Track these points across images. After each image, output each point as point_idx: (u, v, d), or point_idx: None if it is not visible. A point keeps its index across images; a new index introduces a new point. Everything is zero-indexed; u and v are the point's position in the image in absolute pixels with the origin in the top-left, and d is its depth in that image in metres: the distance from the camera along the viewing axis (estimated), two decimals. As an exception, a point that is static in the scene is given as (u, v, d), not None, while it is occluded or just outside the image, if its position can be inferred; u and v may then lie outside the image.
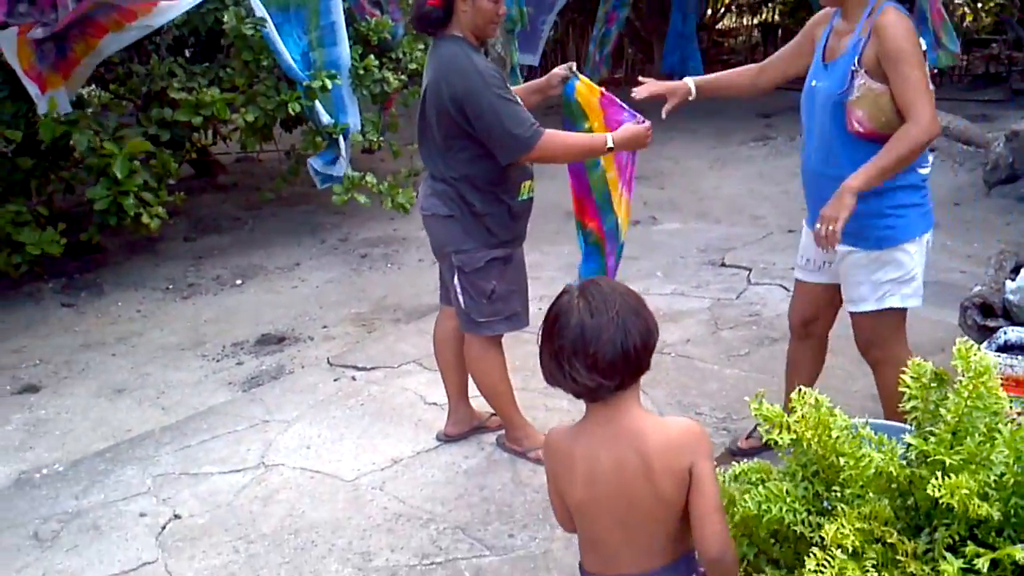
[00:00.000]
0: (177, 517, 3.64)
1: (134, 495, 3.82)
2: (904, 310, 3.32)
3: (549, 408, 4.28)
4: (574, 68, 3.79)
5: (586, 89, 3.74)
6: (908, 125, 2.98)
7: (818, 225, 3.02)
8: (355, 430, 4.25)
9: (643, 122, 3.58)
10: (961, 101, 10.82)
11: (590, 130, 3.72)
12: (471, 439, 4.09)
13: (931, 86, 3.06)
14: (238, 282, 6.68)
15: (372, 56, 7.29)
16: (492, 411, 4.09)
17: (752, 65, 3.75)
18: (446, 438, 4.09)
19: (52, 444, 4.34)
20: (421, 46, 7.84)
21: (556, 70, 3.83)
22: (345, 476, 3.86)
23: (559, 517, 2.17)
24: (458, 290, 3.69)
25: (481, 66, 3.41)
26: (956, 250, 6.30)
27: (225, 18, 6.50)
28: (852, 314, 3.38)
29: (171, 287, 6.62)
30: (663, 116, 3.67)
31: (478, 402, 4.10)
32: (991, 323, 3.77)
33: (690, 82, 3.67)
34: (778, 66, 3.62)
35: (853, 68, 3.06)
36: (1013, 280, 3.88)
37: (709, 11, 15.96)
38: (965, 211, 7.25)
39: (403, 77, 7.70)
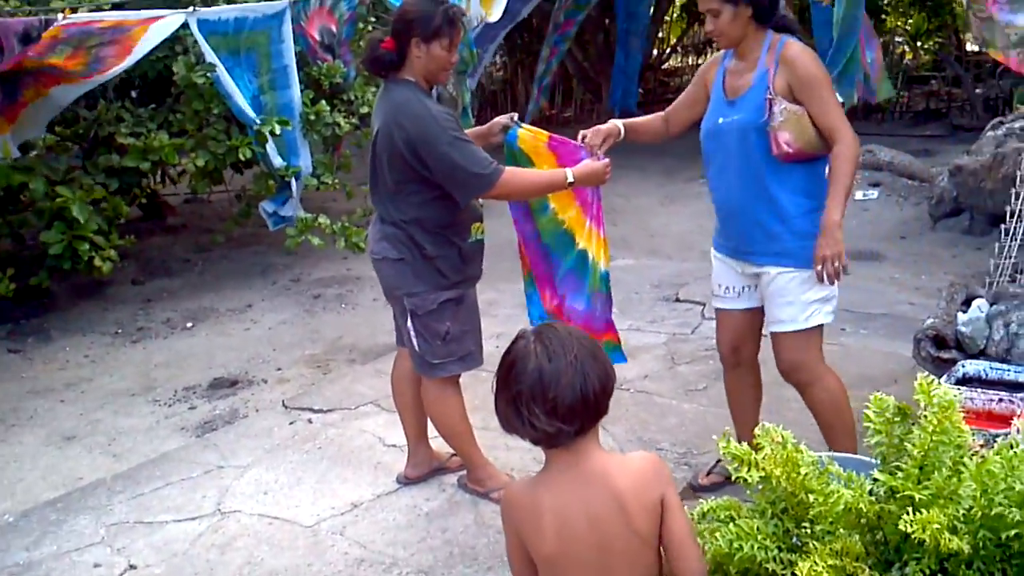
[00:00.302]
0: (132, 567, 3.55)
1: (87, 545, 3.73)
2: (822, 328, 3.44)
3: (510, 447, 4.25)
4: (515, 118, 3.80)
5: (530, 136, 3.76)
6: (839, 146, 3.24)
7: (819, 267, 3.19)
8: (313, 474, 4.19)
9: (601, 158, 3.60)
10: (903, 137, 11.06)
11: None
12: (432, 481, 4.05)
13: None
14: (189, 325, 6.59)
15: (323, 101, 7.28)
16: (452, 452, 4.07)
17: (659, 114, 3.88)
18: (406, 480, 4.05)
19: (1, 494, 4.22)
20: (373, 89, 7.84)
21: (498, 119, 3.84)
22: (304, 522, 3.79)
23: (516, 571, 2.10)
24: (412, 333, 3.68)
25: (434, 110, 3.43)
26: (904, 283, 6.41)
27: (175, 67, 6.46)
28: (776, 335, 3.47)
29: (120, 331, 6.51)
30: (593, 154, 3.66)
31: (438, 443, 4.07)
32: (944, 355, 3.84)
33: (619, 124, 3.73)
34: (680, 113, 3.77)
35: (769, 96, 3.26)
36: (964, 312, 3.95)
37: (655, 51, 16.20)
38: (912, 244, 7.38)
39: (355, 120, 7.69)
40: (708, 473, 3.89)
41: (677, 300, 6.39)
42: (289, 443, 4.53)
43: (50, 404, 5.28)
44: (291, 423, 4.77)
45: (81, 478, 4.33)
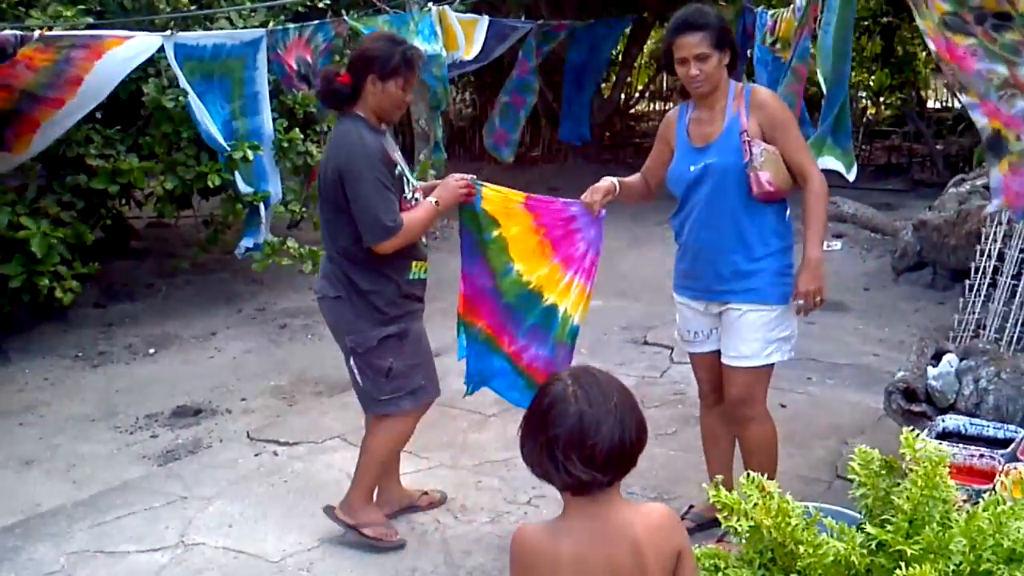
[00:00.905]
0: (93, 599, 3.48)
1: (47, 574, 3.64)
2: (773, 367, 3.56)
3: (480, 488, 4.24)
4: (476, 180, 3.76)
5: (498, 196, 3.72)
6: (812, 184, 3.40)
7: (801, 301, 3.38)
8: (279, 508, 4.13)
9: (602, 215, 3.69)
10: (866, 190, 11.21)
11: (501, 237, 3.70)
12: (400, 518, 3.99)
13: None
14: (151, 351, 6.50)
15: (297, 129, 7.27)
16: (423, 490, 4.04)
17: (638, 175, 3.90)
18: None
19: (-45, 519, 4.12)
20: (346, 119, 7.84)
21: (457, 179, 3.72)
22: (271, 556, 3.73)
23: None
24: (355, 371, 3.66)
25: (370, 147, 3.46)
26: (869, 334, 6.48)
27: (145, 88, 6.42)
28: (732, 368, 3.54)
29: (81, 355, 6.40)
30: (593, 211, 3.70)
31: (410, 479, 4.03)
32: (915, 408, 3.87)
33: (615, 182, 3.74)
34: (656, 173, 3.83)
35: (747, 139, 3.36)
36: (935, 366, 4.00)
37: (623, 95, 16.35)
38: (875, 296, 7.47)
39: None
40: (682, 518, 3.88)
41: (645, 343, 6.42)
42: (254, 475, 4.46)
43: (8, 427, 5.16)
44: (256, 455, 4.70)
45: (40, 504, 4.23)
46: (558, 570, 1.89)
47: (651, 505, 2.00)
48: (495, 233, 3.72)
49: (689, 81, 3.44)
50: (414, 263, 3.65)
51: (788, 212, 3.52)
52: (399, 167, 3.58)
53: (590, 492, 1.88)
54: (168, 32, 6.02)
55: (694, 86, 3.45)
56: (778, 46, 8.06)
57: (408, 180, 3.65)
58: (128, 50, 5.73)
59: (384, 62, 3.48)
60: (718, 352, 3.64)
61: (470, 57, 8.39)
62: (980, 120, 3.67)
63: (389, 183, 3.47)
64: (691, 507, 3.88)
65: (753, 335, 3.45)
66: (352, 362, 3.66)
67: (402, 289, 3.62)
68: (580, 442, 1.82)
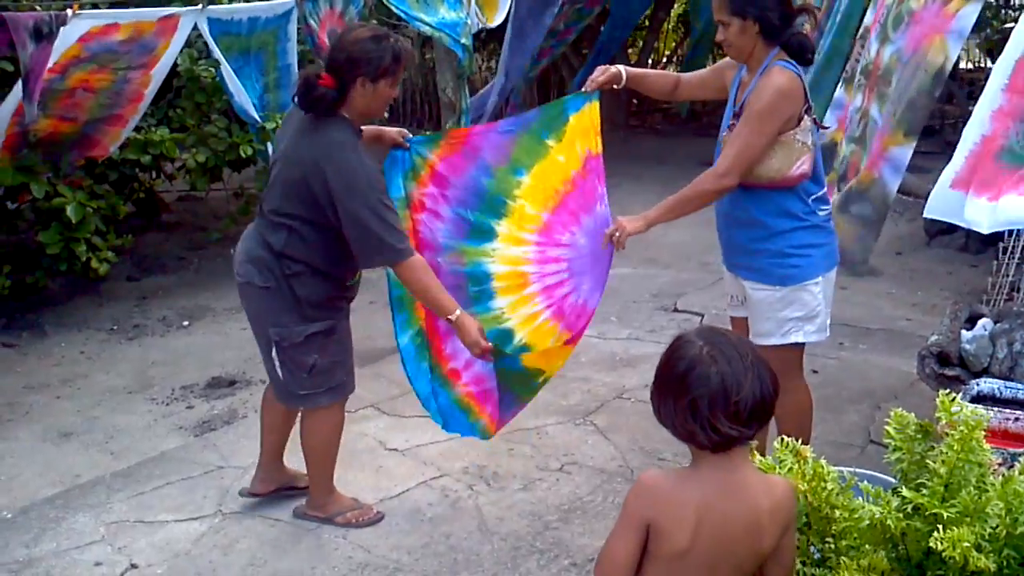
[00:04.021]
0: (134, 567, 3.54)
1: (88, 543, 3.70)
2: (803, 344, 3.51)
3: (512, 455, 4.26)
4: (407, 135, 3.67)
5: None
6: (711, 170, 3.36)
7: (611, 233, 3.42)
8: (314, 477, 4.17)
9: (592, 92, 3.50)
10: (897, 152, 11.11)
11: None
12: (435, 486, 4.03)
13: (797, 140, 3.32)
14: (185, 323, 6.56)
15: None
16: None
17: (672, 75, 3.89)
18: (250, 494, 3.95)
19: (-2, 490, 4.20)
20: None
21: (389, 131, 3.67)
22: (307, 524, 3.77)
23: (620, 561, 1.99)
24: (276, 363, 3.56)
25: (367, 165, 3.32)
26: (901, 299, 6.43)
27: (178, 59, 6.43)
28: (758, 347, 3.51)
29: (116, 328, 6.47)
30: (586, 88, 3.57)
31: (443, 447, 4.04)
32: (948, 372, 3.85)
33: (622, 69, 3.64)
34: (691, 85, 3.79)
35: (733, 123, 3.37)
36: (968, 330, 3.97)
37: (650, 61, 16.20)
38: (908, 260, 7.42)
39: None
40: None
41: (675, 310, 6.40)
42: (289, 445, 4.48)
43: (46, 400, 5.24)
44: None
45: (79, 475, 4.30)
46: (682, 514, 1.92)
47: (776, 478, 2.04)
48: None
49: (720, 43, 3.44)
50: (359, 272, 3.61)
51: (814, 194, 3.39)
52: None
53: (732, 447, 1.92)
54: (199, 7, 5.99)
55: (724, 50, 3.45)
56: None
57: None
58: (175, 45, 5.80)
59: (375, 64, 3.30)
60: (746, 320, 3.66)
61: (494, 24, 8.32)
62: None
63: (390, 200, 3.38)
64: None
65: (764, 313, 3.47)
66: (274, 354, 3.54)
67: (334, 293, 3.55)
68: (725, 400, 1.87)
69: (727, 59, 3.64)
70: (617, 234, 3.38)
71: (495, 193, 3.57)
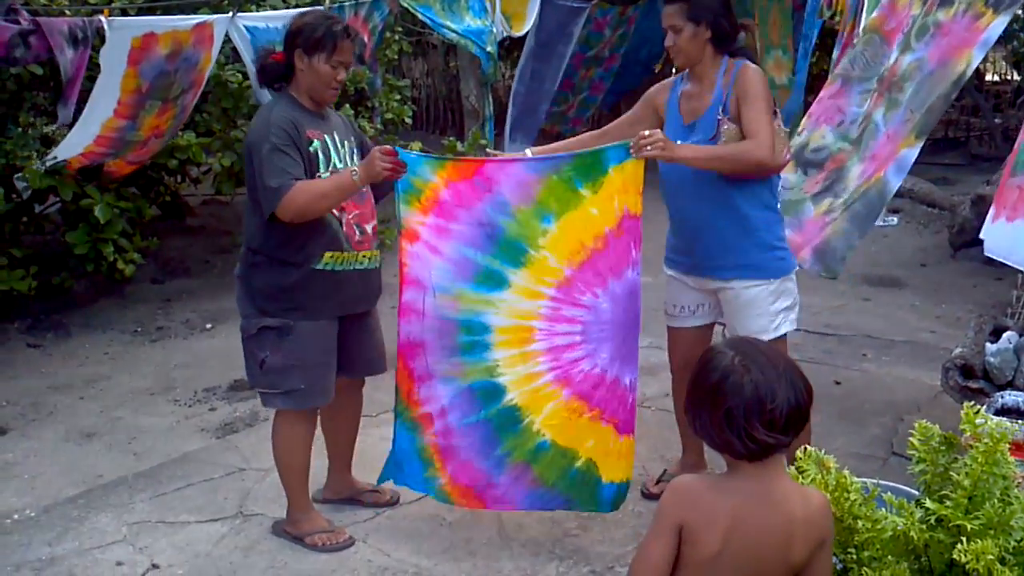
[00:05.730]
0: (155, 567, 3.56)
1: (110, 543, 3.73)
2: (785, 336, 3.59)
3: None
4: (414, 152, 3.55)
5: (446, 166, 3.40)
6: (752, 140, 3.32)
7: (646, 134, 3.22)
8: (335, 480, 4.19)
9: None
10: (923, 164, 11.02)
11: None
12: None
13: (781, 129, 3.49)
14: (208, 326, 6.60)
15: (348, 105, 7.32)
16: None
17: (595, 131, 3.95)
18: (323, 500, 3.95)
19: (21, 488, 4.22)
20: (397, 96, 7.90)
21: (381, 150, 3.31)
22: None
23: (654, 562, 1.98)
24: (244, 354, 3.60)
25: (276, 117, 3.32)
26: (926, 311, 6.40)
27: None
28: None
29: (139, 330, 6.52)
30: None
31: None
32: (972, 384, 3.84)
33: (528, 152, 3.74)
34: (622, 130, 3.75)
35: (719, 117, 3.39)
36: (993, 343, 3.95)
37: (674, 69, 16.15)
38: (932, 273, 7.38)
39: (379, 126, 7.75)
40: (657, 482, 3.98)
41: (697, 319, 6.38)
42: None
43: (70, 400, 5.28)
44: (312, 428, 4.76)
45: (101, 476, 4.33)
46: (715, 520, 1.93)
47: (812, 490, 2.04)
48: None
49: (668, 51, 3.52)
50: (327, 253, 3.42)
51: (779, 185, 3.58)
52: (317, 143, 3.38)
53: (769, 456, 1.93)
54: (230, 14, 5.99)
55: (671, 56, 3.53)
56: (836, 19, 7.93)
57: (333, 161, 3.43)
58: (213, 56, 5.89)
59: (306, 35, 3.36)
60: (699, 328, 3.78)
61: (520, 33, 8.35)
62: None
63: (286, 148, 3.27)
64: (665, 471, 4.03)
65: (757, 311, 3.51)
66: (242, 344, 3.60)
67: (298, 281, 3.42)
68: (760, 409, 1.87)
69: (652, 88, 3.78)
70: (654, 140, 3.18)
71: (515, 238, 3.33)
